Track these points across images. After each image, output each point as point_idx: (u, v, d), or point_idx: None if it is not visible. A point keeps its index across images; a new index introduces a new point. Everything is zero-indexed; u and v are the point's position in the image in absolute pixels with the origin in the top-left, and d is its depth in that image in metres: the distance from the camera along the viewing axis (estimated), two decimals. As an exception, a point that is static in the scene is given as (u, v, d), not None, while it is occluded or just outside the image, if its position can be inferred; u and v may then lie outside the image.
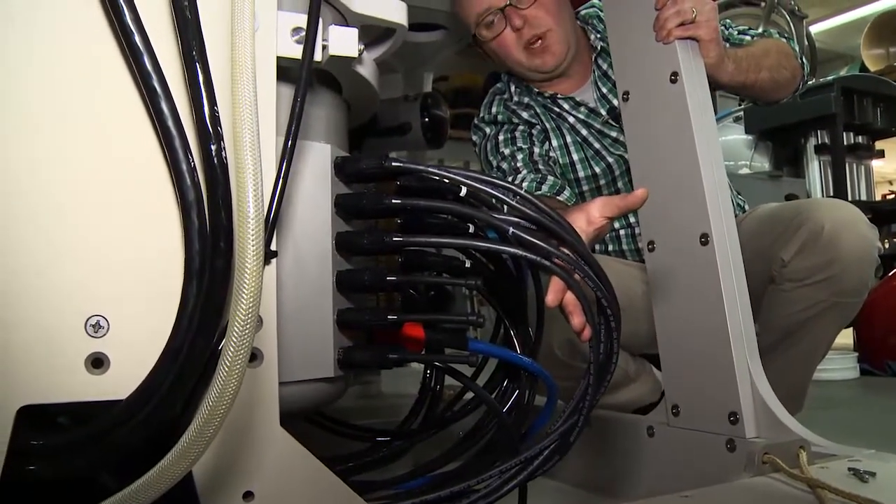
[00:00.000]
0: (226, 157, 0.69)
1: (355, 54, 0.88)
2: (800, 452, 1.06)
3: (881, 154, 4.83)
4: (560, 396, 1.08)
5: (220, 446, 0.74)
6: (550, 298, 0.94)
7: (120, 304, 0.70)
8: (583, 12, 1.79)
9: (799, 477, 0.98)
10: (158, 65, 0.68)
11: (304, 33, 0.81)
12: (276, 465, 0.77)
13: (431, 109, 1.78)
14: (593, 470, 1.44)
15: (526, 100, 1.75)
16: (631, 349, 1.65)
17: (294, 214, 0.88)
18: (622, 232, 1.73)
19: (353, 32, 0.88)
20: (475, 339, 1.00)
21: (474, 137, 1.81)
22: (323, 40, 0.86)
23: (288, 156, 0.77)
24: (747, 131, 4.76)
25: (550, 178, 1.62)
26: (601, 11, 1.70)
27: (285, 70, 0.82)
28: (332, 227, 0.91)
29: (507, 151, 1.68)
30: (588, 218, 1.04)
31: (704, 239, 1.22)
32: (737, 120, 4.83)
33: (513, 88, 1.78)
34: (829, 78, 4.74)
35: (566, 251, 0.89)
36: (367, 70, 1.01)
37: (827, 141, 4.53)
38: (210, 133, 0.68)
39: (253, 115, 0.67)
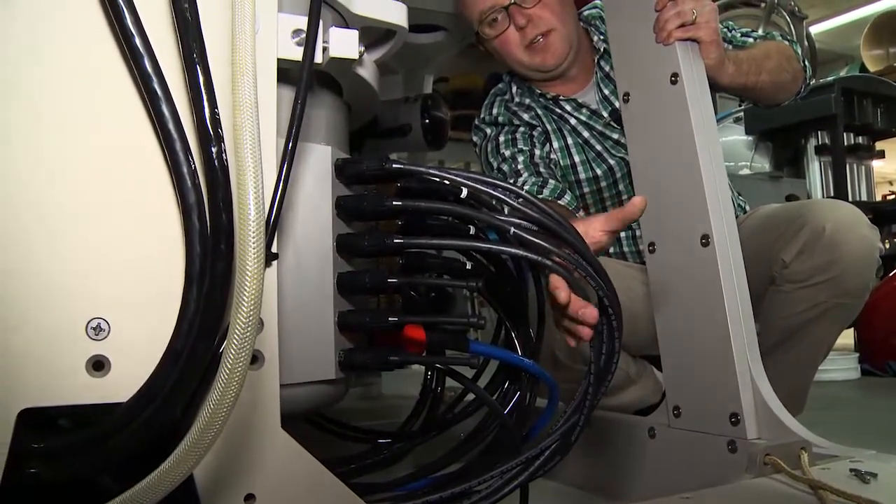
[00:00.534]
0: (226, 160, 0.69)
1: (356, 56, 0.88)
2: (801, 453, 1.05)
3: (881, 154, 4.82)
4: (561, 398, 1.08)
5: (221, 449, 0.74)
6: (562, 296, 0.94)
7: (121, 307, 0.70)
8: (585, 13, 1.79)
9: (800, 478, 0.98)
10: (159, 67, 0.68)
11: (304, 35, 0.81)
12: (277, 467, 0.77)
13: (432, 111, 1.78)
14: (594, 471, 1.44)
15: (527, 101, 1.74)
16: (632, 350, 1.65)
17: (295, 216, 0.88)
18: (622, 234, 1.72)
19: (354, 34, 0.88)
20: (476, 341, 1.00)
21: (475, 138, 1.80)
22: (323, 42, 0.86)
23: (289, 158, 0.77)
24: (747, 132, 4.76)
25: (552, 181, 1.61)
26: (604, 12, 1.69)
27: (286, 72, 0.81)
28: (332, 228, 0.91)
29: (507, 153, 1.68)
30: (585, 231, 1.03)
31: (705, 240, 1.22)
32: (737, 121, 4.82)
33: (514, 89, 1.77)
34: (830, 78, 4.74)
35: (567, 251, 0.89)
36: (367, 72, 1.01)
37: (827, 141, 4.53)
38: (211, 135, 0.68)
39: (253, 117, 0.67)
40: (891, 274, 3.65)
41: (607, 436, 1.41)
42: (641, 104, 1.34)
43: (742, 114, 4.79)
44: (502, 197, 0.89)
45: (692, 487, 1.03)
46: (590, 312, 0.94)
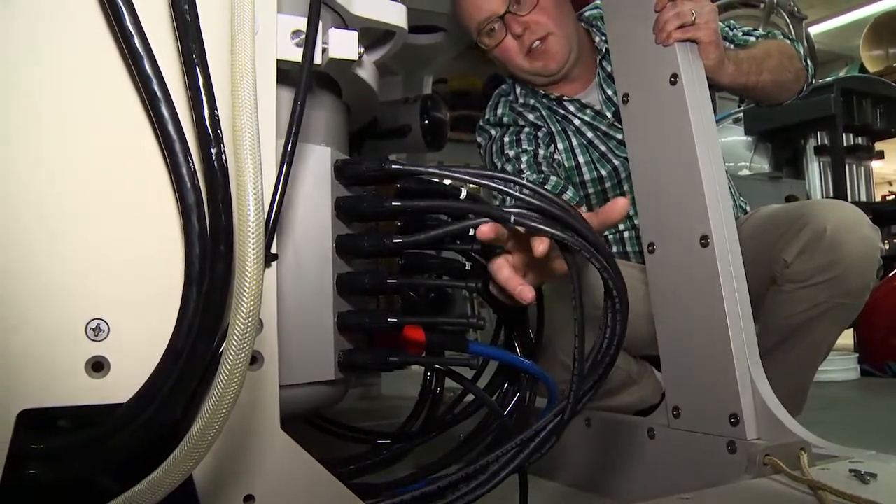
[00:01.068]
0: (226, 161, 0.69)
1: (355, 57, 0.88)
2: (801, 454, 1.05)
3: (881, 155, 4.82)
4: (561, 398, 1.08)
5: (220, 449, 0.74)
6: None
7: (120, 308, 0.70)
8: (587, 13, 1.78)
9: (800, 479, 0.98)
10: (158, 68, 0.68)
11: (303, 36, 0.81)
12: (276, 468, 0.77)
13: (431, 112, 1.78)
14: (594, 471, 1.44)
15: (532, 102, 1.74)
16: (633, 350, 1.65)
17: (294, 217, 0.88)
18: (626, 234, 1.72)
19: (353, 35, 0.89)
20: (475, 342, 1.00)
21: (479, 139, 1.80)
22: (323, 43, 0.86)
23: (288, 159, 0.77)
24: (747, 133, 4.76)
25: (553, 178, 1.61)
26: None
27: (285, 73, 0.82)
28: (332, 229, 0.91)
29: (511, 153, 1.68)
30: None
31: (704, 241, 1.22)
32: (736, 121, 4.82)
33: (518, 90, 1.77)
34: (829, 79, 4.73)
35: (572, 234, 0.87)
36: (366, 73, 1.01)
37: (826, 142, 4.53)
38: (210, 136, 0.68)
39: (253, 118, 0.67)
40: (890, 274, 3.64)
41: (607, 436, 1.41)
42: (641, 105, 1.34)
43: (741, 114, 4.79)
44: (501, 188, 0.87)
45: (691, 488, 1.03)
46: (527, 291, 0.90)
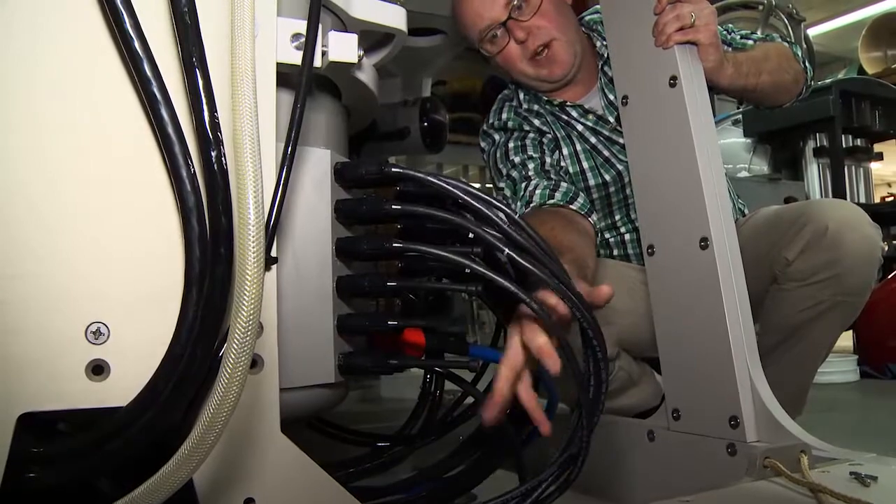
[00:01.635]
0: (226, 163, 0.69)
1: (355, 60, 0.88)
2: (801, 456, 1.05)
3: (879, 156, 4.83)
4: (561, 399, 1.08)
5: (220, 453, 0.74)
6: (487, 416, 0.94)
7: (120, 311, 0.70)
8: (587, 18, 1.78)
9: (800, 481, 0.98)
10: (158, 71, 0.68)
11: (303, 39, 0.81)
12: (276, 471, 0.77)
13: (430, 114, 1.78)
14: (593, 474, 1.43)
15: (535, 107, 1.73)
16: (635, 352, 1.65)
17: (294, 220, 0.88)
18: (627, 237, 1.72)
19: (353, 38, 0.88)
20: (475, 344, 1.00)
21: (483, 144, 1.78)
22: (322, 46, 0.86)
23: (288, 162, 0.77)
24: (746, 134, 4.77)
25: (564, 184, 1.59)
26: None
27: (285, 76, 0.82)
28: (332, 232, 0.91)
29: (517, 160, 1.65)
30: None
31: (704, 243, 1.22)
32: (735, 123, 4.83)
33: (521, 95, 1.76)
34: (828, 81, 4.74)
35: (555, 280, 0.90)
36: (366, 75, 1.01)
37: (825, 144, 4.54)
38: (210, 139, 0.68)
39: (253, 120, 0.67)
40: (890, 276, 3.64)
41: (607, 438, 1.41)
42: (640, 107, 1.34)
43: (740, 116, 4.80)
44: (493, 216, 0.90)
45: (691, 490, 1.03)
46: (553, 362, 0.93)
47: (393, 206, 0.89)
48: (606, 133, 1.67)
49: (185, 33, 0.69)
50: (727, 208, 1.25)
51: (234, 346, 0.63)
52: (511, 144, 1.68)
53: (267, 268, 0.71)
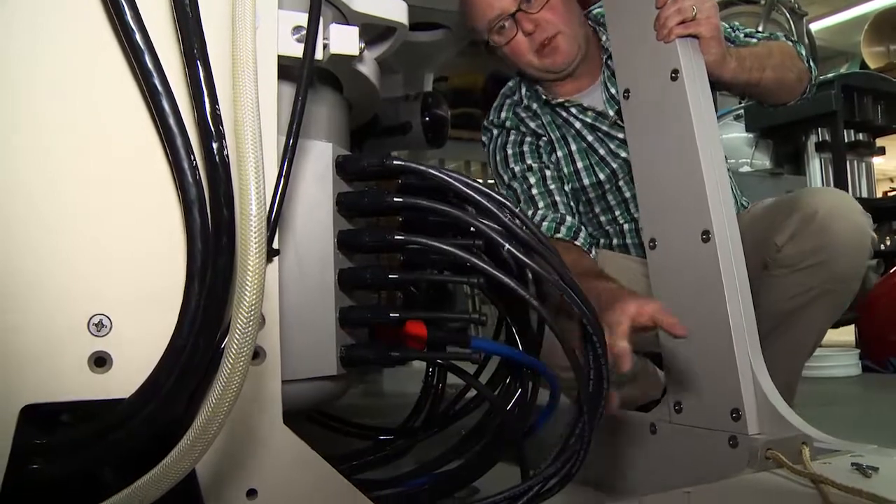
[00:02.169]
0: (227, 155, 0.69)
1: (356, 52, 0.88)
2: (802, 448, 1.06)
3: (882, 151, 4.82)
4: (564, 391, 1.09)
5: (223, 444, 0.74)
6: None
7: (122, 303, 0.70)
8: (594, 12, 1.79)
9: (802, 472, 0.98)
10: (159, 63, 0.68)
11: (304, 32, 0.81)
12: (279, 462, 0.77)
13: (432, 109, 1.78)
14: (595, 466, 1.44)
15: (535, 106, 1.75)
16: (636, 346, 1.65)
17: (296, 213, 0.88)
18: (626, 227, 1.73)
19: (354, 31, 0.89)
20: (477, 337, 1.00)
21: (483, 138, 1.81)
22: (324, 39, 0.86)
23: (289, 154, 0.77)
24: (748, 129, 4.75)
25: (568, 218, 1.63)
26: None
27: (286, 69, 0.81)
28: (333, 225, 0.91)
29: (517, 169, 1.69)
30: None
31: (706, 236, 1.22)
32: (737, 118, 4.81)
33: (523, 91, 1.78)
34: (830, 75, 4.72)
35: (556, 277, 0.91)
36: (368, 68, 1.01)
37: (827, 138, 4.52)
38: (212, 131, 0.68)
39: (254, 112, 0.67)
40: (892, 270, 3.64)
41: (608, 431, 1.41)
42: (642, 100, 1.34)
43: (742, 111, 4.78)
44: (496, 210, 0.90)
45: (693, 483, 1.03)
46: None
47: (395, 199, 0.89)
48: (605, 129, 1.68)
49: (187, 25, 0.69)
50: (729, 201, 1.25)
51: (236, 337, 0.63)
52: (510, 151, 1.71)
53: (269, 259, 0.71)
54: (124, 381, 0.70)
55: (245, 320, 0.64)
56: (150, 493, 0.63)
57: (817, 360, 3.12)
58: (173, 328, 0.69)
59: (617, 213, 1.73)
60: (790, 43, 1.65)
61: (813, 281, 1.50)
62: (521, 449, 1.08)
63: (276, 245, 0.75)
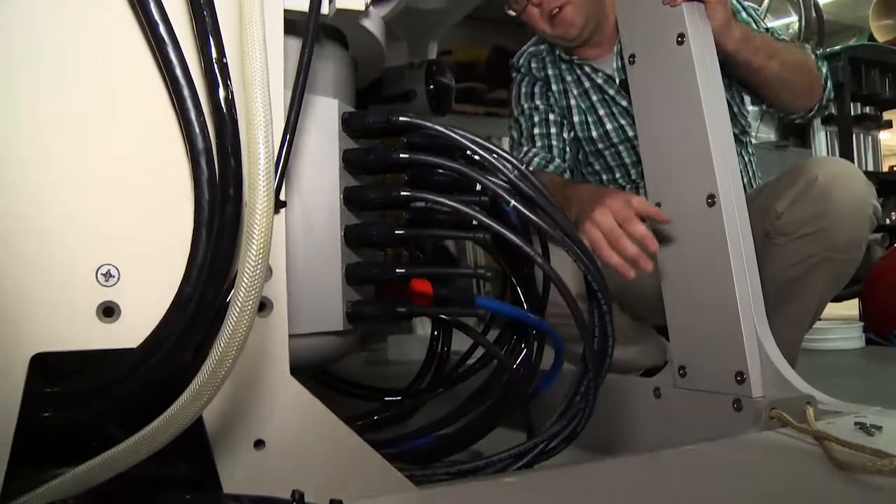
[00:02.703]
0: (235, 105, 0.69)
1: (362, 7, 0.88)
2: (806, 408, 1.06)
3: (889, 125, 4.79)
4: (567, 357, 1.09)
5: (230, 395, 0.74)
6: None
7: (130, 253, 0.70)
8: None
9: (806, 430, 0.98)
10: (165, 13, 0.68)
11: (310, -15, 0.81)
12: (286, 413, 0.77)
13: (437, 77, 1.77)
14: (600, 432, 1.44)
15: (550, 59, 1.84)
16: (638, 315, 1.66)
17: (302, 168, 0.88)
18: (627, 188, 1.76)
19: (361, -15, 0.88)
20: (482, 296, 1.00)
21: (513, 73, 1.93)
22: (330, -7, 0.85)
23: (296, 106, 0.77)
24: (753, 102, 4.73)
25: (556, 160, 1.76)
26: None
27: (292, 23, 0.81)
28: (340, 180, 0.91)
29: (525, 105, 1.83)
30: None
31: (711, 200, 1.22)
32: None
33: (542, 45, 1.86)
34: (837, 48, 4.69)
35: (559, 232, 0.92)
36: (373, 25, 1.00)
37: (834, 111, 4.50)
38: (218, 80, 0.68)
39: (263, 62, 0.67)
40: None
41: (613, 397, 1.41)
42: (648, 65, 1.34)
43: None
44: (501, 167, 0.91)
45: (697, 444, 1.03)
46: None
47: (401, 155, 0.89)
48: (612, 93, 1.74)
49: (193, -25, 0.69)
50: (734, 165, 1.25)
51: (244, 285, 0.64)
52: (523, 89, 1.86)
53: (276, 211, 0.71)
54: (133, 330, 0.70)
55: (252, 268, 0.64)
56: (159, 438, 0.64)
57: (821, 332, 3.12)
58: (181, 278, 0.70)
59: (617, 174, 1.79)
60: (813, 56, 1.63)
61: (813, 248, 1.49)
62: (526, 408, 1.08)
63: (283, 198, 0.76)
